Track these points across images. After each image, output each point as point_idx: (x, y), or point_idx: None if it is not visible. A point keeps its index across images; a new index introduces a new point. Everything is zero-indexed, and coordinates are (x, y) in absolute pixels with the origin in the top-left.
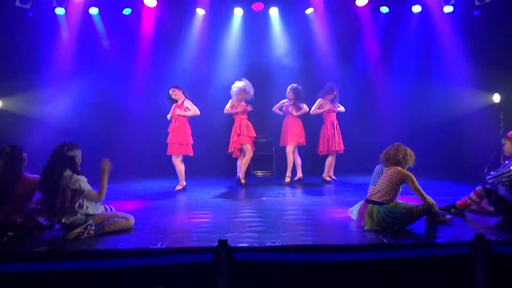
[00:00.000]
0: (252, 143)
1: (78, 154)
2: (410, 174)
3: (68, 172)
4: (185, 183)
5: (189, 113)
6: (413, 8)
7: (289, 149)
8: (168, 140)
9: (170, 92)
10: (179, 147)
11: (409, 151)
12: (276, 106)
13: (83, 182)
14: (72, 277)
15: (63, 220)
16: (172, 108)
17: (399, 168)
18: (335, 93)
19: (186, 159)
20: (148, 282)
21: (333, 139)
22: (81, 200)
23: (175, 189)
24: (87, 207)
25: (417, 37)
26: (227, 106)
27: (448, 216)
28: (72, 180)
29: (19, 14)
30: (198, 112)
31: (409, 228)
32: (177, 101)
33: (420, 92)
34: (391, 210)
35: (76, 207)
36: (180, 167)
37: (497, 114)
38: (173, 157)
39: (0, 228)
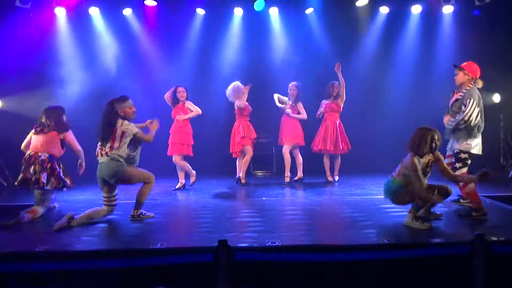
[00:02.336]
0: (252, 144)
1: (125, 106)
2: (414, 164)
3: (119, 121)
4: (184, 182)
5: (192, 115)
6: (413, 8)
7: (285, 149)
8: (170, 141)
9: (177, 91)
10: (181, 147)
11: (427, 137)
12: (279, 100)
13: (132, 126)
14: (72, 277)
15: (110, 153)
16: (173, 110)
17: (410, 154)
18: (331, 91)
19: (186, 159)
20: (148, 282)
21: (331, 139)
22: (128, 143)
23: (176, 187)
24: (135, 153)
25: (417, 37)
26: (241, 104)
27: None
28: (124, 125)
29: (19, 14)
30: (200, 112)
31: (409, 228)
32: (178, 102)
33: (420, 92)
34: (391, 182)
35: (125, 146)
36: (183, 163)
37: (497, 114)
38: (174, 157)
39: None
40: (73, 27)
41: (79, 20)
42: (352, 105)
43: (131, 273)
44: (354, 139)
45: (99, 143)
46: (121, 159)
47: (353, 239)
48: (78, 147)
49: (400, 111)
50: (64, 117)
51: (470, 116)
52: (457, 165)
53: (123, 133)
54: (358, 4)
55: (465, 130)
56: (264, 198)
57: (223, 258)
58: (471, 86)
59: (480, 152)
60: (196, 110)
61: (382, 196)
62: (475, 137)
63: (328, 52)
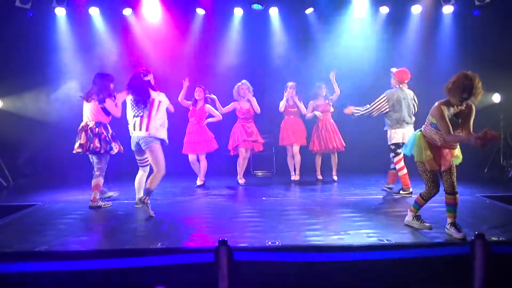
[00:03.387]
0: (246, 145)
1: (151, 76)
2: (440, 112)
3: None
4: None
5: (215, 120)
6: (413, 8)
7: (297, 150)
8: (190, 140)
9: (196, 90)
10: (205, 145)
11: (461, 83)
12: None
13: (163, 96)
14: (72, 277)
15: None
16: (191, 110)
17: (438, 102)
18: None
19: (185, 160)
20: (148, 282)
21: (328, 138)
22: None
23: (197, 184)
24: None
25: (417, 37)
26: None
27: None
28: (152, 97)
29: (19, 14)
30: (221, 117)
31: (409, 228)
32: (196, 102)
33: (420, 92)
34: (415, 135)
35: (161, 115)
36: (206, 163)
37: (497, 114)
38: (200, 155)
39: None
40: (73, 27)
41: (79, 20)
42: (352, 105)
43: (131, 273)
44: (354, 139)
45: None
46: None
47: (353, 239)
48: (117, 114)
49: None
50: (111, 85)
51: (373, 108)
52: (391, 155)
53: None
54: (358, 4)
55: (388, 125)
56: (264, 198)
57: (223, 258)
58: (397, 87)
59: (399, 140)
60: (217, 115)
61: (382, 196)
62: (397, 128)
63: (328, 52)
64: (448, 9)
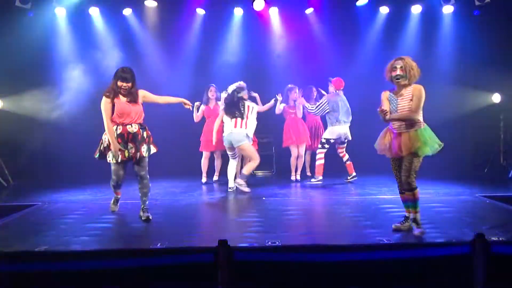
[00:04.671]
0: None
1: (245, 92)
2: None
3: (243, 102)
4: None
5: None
6: (413, 8)
7: (303, 150)
8: (208, 138)
9: (210, 89)
10: (221, 143)
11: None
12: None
13: (253, 104)
14: (72, 277)
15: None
16: (206, 109)
17: None
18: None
19: (185, 160)
20: (149, 282)
21: (315, 137)
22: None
23: (214, 179)
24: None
25: (417, 37)
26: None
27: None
28: (247, 104)
29: (19, 14)
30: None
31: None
32: (208, 101)
33: None
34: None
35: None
36: (221, 161)
37: (497, 114)
38: (218, 152)
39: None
40: (73, 27)
41: (79, 20)
42: (352, 105)
43: (131, 273)
44: (354, 139)
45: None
46: None
47: (353, 239)
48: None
49: None
50: None
51: (317, 108)
52: (319, 146)
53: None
54: (358, 4)
55: (329, 123)
56: (264, 198)
57: (223, 258)
58: (334, 92)
59: (331, 137)
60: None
61: (382, 196)
62: (335, 126)
63: (328, 52)
64: (448, 9)
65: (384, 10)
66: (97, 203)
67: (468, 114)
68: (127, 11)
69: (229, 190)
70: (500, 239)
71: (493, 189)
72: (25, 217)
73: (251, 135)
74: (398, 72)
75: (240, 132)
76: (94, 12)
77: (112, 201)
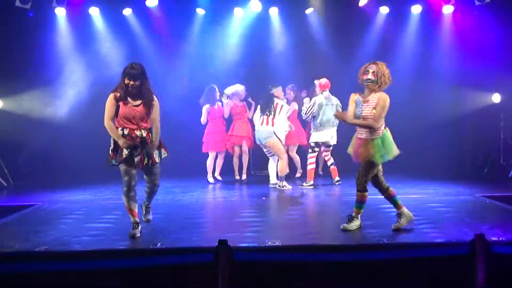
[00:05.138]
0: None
1: (279, 89)
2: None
3: (273, 99)
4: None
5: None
6: (413, 8)
7: (292, 151)
8: (216, 139)
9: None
10: (221, 144)
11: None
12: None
13: (283, 102)
14: (72, 277)
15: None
16: (211, 109)
17: None
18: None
19: (185, 160)
20: (149, 282)
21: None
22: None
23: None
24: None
25: (417, 37)
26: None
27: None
28: (276, 101)
29: (19, 14)
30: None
31: (409, 228)
32: (213, 102)
33: (419, 92)
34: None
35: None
36: (210, 162)
37: (497, 114)
38: (222, 152)
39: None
40: (73, 27)
41: (79, 20)
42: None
43: (131, 273)
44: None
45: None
46: None
47: (353, 239)
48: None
49: (399, 110)
50: None
51: (307, 110)
52: (309, 150)
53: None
54: (358, 4)
55: (313, 126)
56: (264, 198)
57: (223, 258)
58: (319, 94)
59: (319, 139)
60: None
61: (382, 196)
62: (318, 130)
63: (328, 52)
64: (448, 9)
65: (384, 10)
66: (97, 203)
67: (468, 114)
68: (127, 11)
69: (270, 186)
70: (500, 239)
71: (493, 189)
72: (25, 217)
73: (280, 133)
74: (370, 76)
75: (266, 129)
76: (94, 12)
77: (132, 227)
